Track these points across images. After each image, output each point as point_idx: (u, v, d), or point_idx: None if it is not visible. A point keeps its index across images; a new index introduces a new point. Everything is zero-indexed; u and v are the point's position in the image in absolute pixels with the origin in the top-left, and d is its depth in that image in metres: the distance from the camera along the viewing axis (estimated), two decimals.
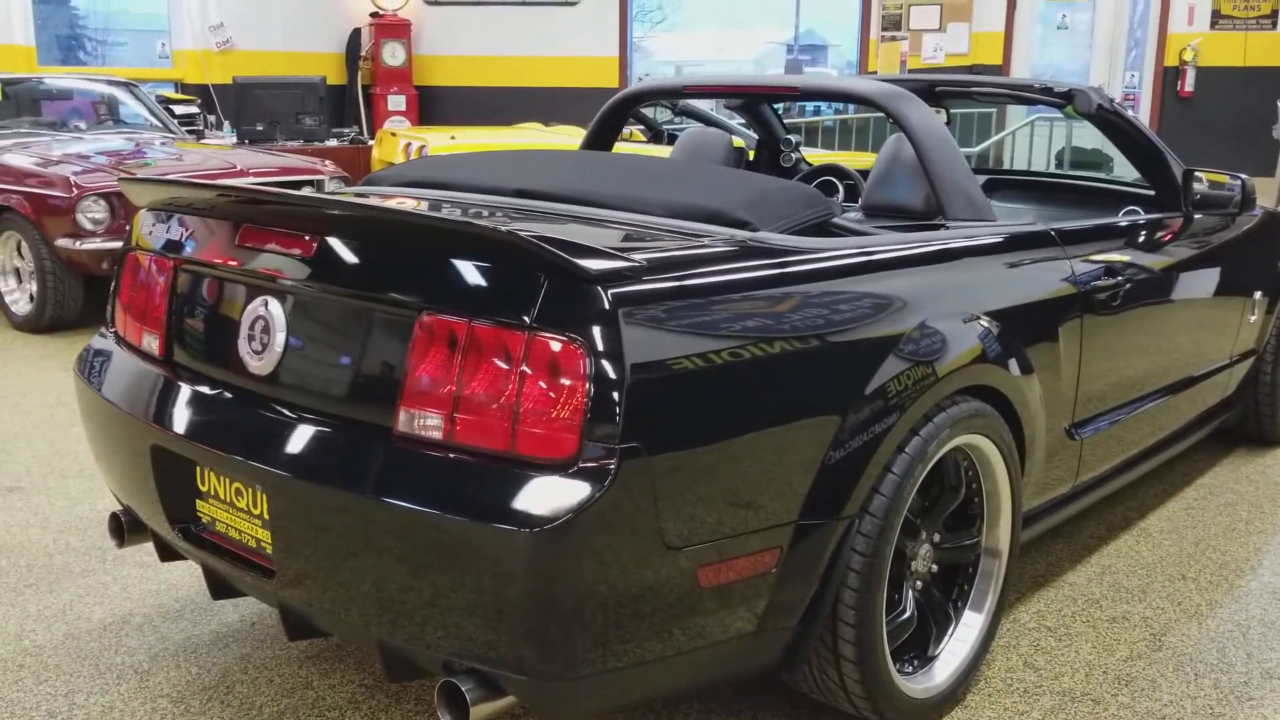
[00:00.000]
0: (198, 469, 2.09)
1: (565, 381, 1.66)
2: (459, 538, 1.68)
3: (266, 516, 1.95)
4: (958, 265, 2.33)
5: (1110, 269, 2.79)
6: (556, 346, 1.67)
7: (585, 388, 1.65)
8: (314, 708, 2.31)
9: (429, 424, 1.77)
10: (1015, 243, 2.53)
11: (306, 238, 1.96)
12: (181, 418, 2.11)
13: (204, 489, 2.09)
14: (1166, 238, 3.22)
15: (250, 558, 2.02)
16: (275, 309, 1.99)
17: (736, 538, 1.83)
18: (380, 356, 1.86)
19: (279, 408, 1.98)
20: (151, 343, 2.30)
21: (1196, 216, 3.40)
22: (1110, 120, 3.22)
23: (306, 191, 2.29)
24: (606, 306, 1.66)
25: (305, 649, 2.54)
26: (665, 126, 9.70)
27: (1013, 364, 2.35)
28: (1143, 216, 3.22)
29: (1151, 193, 3.54)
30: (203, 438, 2.04)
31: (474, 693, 1.74)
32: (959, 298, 2.26)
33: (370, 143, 9.96)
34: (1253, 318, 3.75)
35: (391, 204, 2.30)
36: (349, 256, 1.91)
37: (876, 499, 2.01)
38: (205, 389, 2.13)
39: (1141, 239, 3.10)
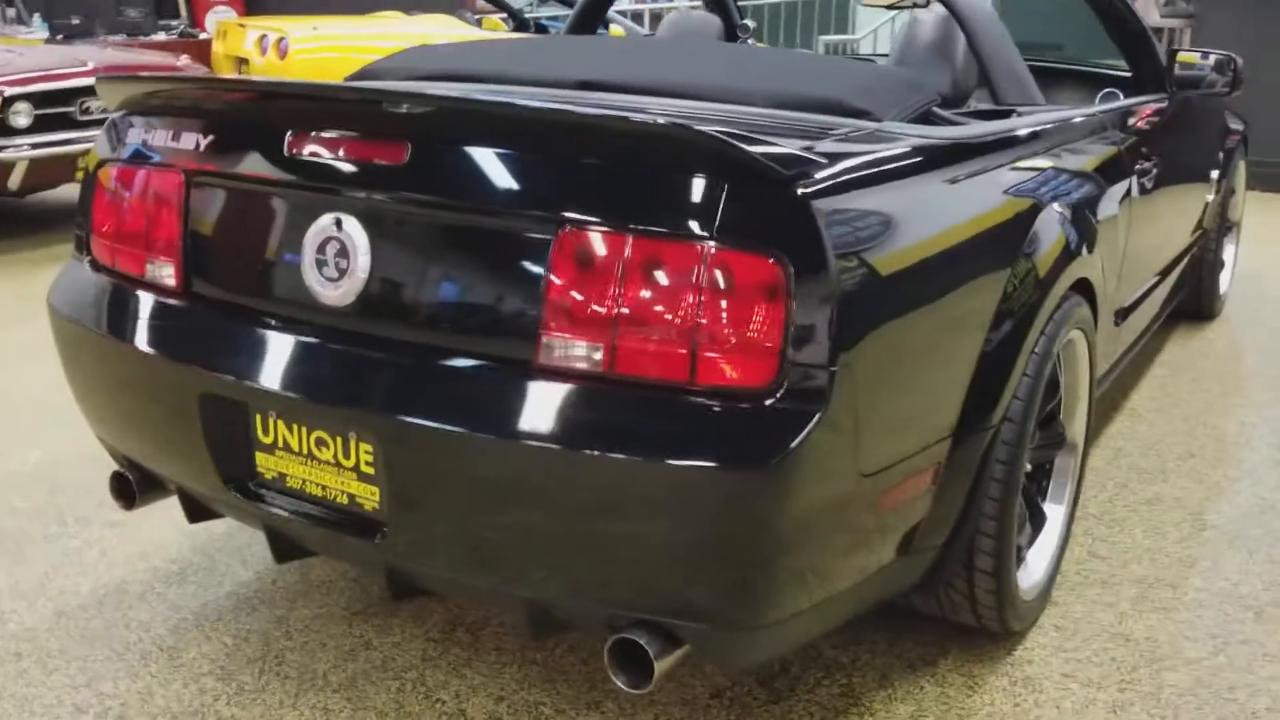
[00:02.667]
0: (257, 418, 1.80)
1: (760, 300, 1.46)
2: (645, 481, 1.48)
3: (369, 469, 1.68)
4: (1062, 152, 2.22)
5: (1146, 151, 2.74)
6: (748, 260, 1.46)
7: (786, 306, 1.45)
8: (385, 670, 2.08)
9: (581, 354, 1.54)
10: (1084, 128, 2.43)
11: (392, 143, 1.66)
12: (237, 360, 1.80)
13: (266, 440, 1.80)
14: (1169, 120, 3.20)
15: (339, 516, 1.76)
16: (354, 229, 1.69)
17: (912, 456, 1.69)
18: (505, 279, 1.60)
19: (367, 344, 1.70)
20: (162, 272, 1.95)
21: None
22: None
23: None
24: (807, 212, 1.46)
25: (346, 604, 2.29)
26: (528, 14, 9.28)
27: (1099, 254, 2.27)
28: (1154, 100, 3.18)
29: (1118, 77, 3.52)
30: (273, 382, 1.74)
31: (654, 646, 1.56)
32: (1067, 186, 2.16)
33: (204, 35, 9.15)
34: (1210, 197, 3.82)
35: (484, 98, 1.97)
36: (457, 164, 1.63)
37: (1015, 404, 1.91)
38: (255, 325, 1.82)
39: (1158, 122, 3.06)
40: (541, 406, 1.55)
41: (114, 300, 2.01)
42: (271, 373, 1.76)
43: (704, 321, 1.47)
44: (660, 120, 1.50)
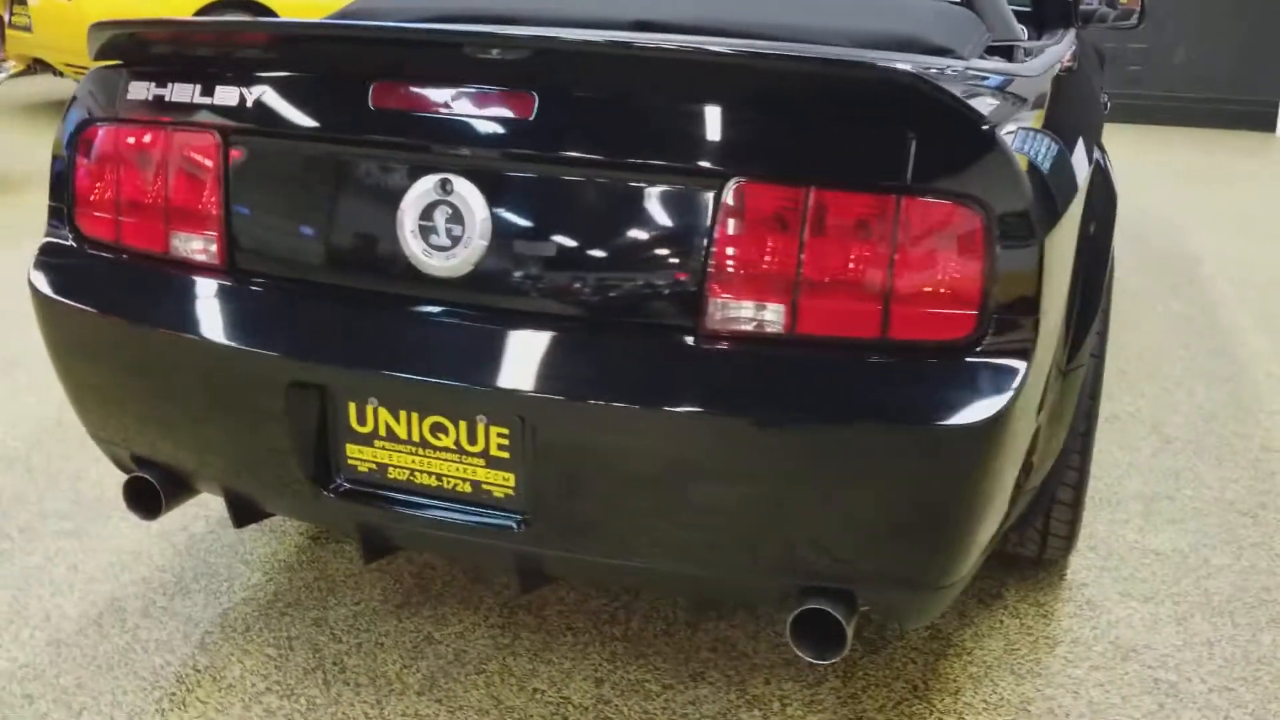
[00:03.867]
0: (350, 406, 1.60)
1: (959, 248, 1.40)
2: (845, 446, 1.41)
3: (503, 454, 1.53)
4: (1080, 86, 2.25)
5: (1100, 85, 2.84)
6: (946, 208, 1.39)
7: (988, 253, 1.40)
8: (462, 664, 1.93)
9: (758, 315, 1.44)
10: (1079, 64, 2.49)
11: (517, 95, 1.49)
12: (319, 344, 1.59)
13: (362, 430, 1.61)
14: (1085, 53, 3.32)
15: (459, 507, 1.59)
16: (468, 192, 1.51)
17: (1044, 397, 1.69)
18: (659, 239, 1.47)
19: (491, 318, 1.54)
20: (193, 247, 1.70)
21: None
22: None
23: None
24: (1005, 154, 1.41)
25: (384, 597, 2.10)
26: None
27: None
28: (1072, 34, 3.29)
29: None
30: (372, 365, 1.55)
31: (840, 613, 1.50)
32: (1093, 120, 2.20)
33: None
34: None
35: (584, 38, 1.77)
36: (598, 116, 1.48)
37: (1095, 338, 1.95)
38: (336, 303, 1.61)
39: (1085, 55, 3.17)
40: (716, 373, 1.45)
41: (131, 281, 1.74)
42: (368, 355, 1.57)
43: (900, 274, 1.40)
44: (841, 58, 1.41)
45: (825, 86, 1.43)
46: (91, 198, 1.78)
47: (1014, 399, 1.40)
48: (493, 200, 1.51)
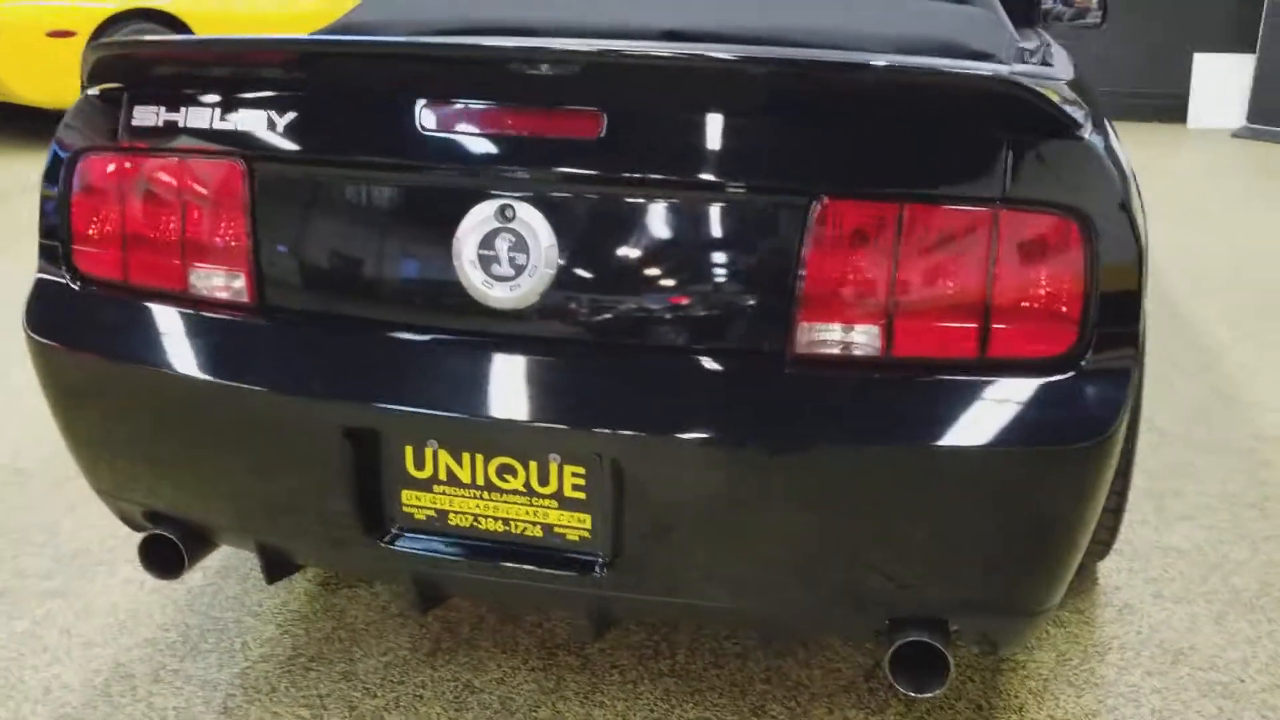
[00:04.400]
0: (407, 450, 1.50)
1: (1059, 262, 1.36)
2: (950, 472, 1.36)
3: (578, 494, 1.45)
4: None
5: None
6: (1044, 220, 1.35)
7: (1089, 266, 1.36)
8: (509, 713, 1.82)
9: (850, 339, 1.39)
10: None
11: (583, 113, 1.40)
12: (370, 385, 1.48)
13: (420, 475, 1.50)
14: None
15: (528, 551, 1.50)
16: (533, 218, 1.42)
17: None
18: (741, 262, 1.40)
19: (561, 350, 1.45)
20: (214, 283, 1.57)
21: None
22: None
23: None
24: (1102, 163, 1.37)
25: (412, 645, 1.99)
26: None
27: None
28: (1046, 35, 3.30)
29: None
30: (431, 406, 1.44)
31: (940, 641, 1.45)
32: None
33: None
34: None
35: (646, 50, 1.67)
36: (673, 134, 1.39)
37: (1143, 338, 1.93)
38: (384, 340, 1.50)
39: None
40: (807, 400, 1.39)
41: (145, 323, 1.60)
42: (427, 395, 1.46)
43: (999, 290, 1.36)
44: (933, 66, 1.36)
45: (915, 96, 1.38)
46: (91, 233, 1.64)
47: (1122, 414, 1.37)
48: (559, 226, 1.43)
